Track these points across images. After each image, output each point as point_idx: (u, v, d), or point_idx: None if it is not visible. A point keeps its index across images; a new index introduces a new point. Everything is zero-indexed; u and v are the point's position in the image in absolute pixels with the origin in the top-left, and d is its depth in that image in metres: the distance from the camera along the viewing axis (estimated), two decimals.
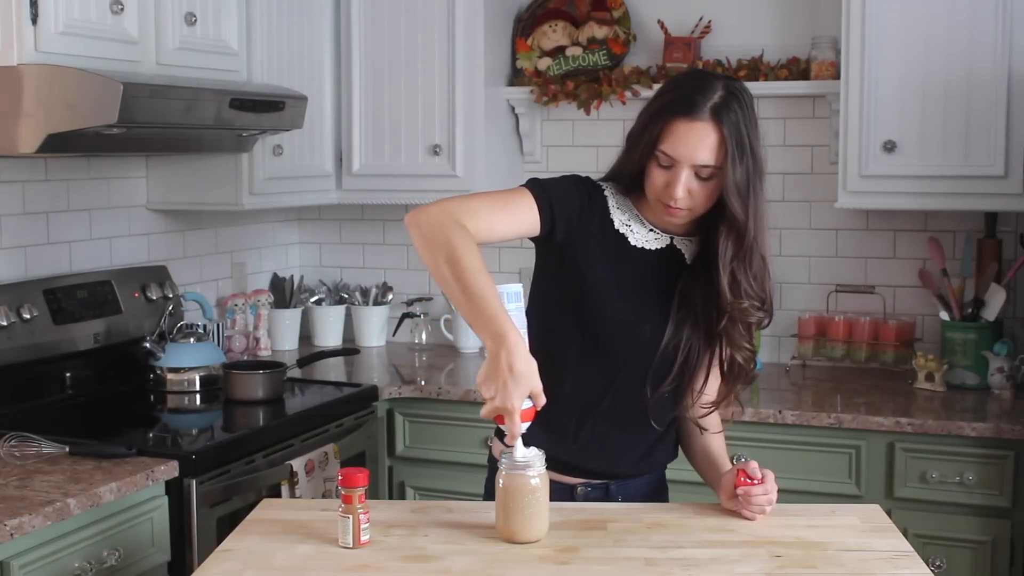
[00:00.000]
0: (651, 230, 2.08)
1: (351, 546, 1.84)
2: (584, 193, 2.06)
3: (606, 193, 2.08)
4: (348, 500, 1.85)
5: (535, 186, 2.03)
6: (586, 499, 2.14)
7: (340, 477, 1.86)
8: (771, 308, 2.05)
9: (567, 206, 2.03)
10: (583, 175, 2.11)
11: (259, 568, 1.78)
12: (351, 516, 1.84)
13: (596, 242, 2.05)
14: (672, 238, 2.08)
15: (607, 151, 2.13)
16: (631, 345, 2.05)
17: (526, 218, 2.00)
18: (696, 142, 1.92)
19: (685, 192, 1.95)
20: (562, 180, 2.08)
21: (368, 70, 3.70)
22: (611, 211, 2.07)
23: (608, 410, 2.09)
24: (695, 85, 1.96)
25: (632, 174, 2.04)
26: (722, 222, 1.97)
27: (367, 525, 1.86)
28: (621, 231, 2.06)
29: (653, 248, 2.07)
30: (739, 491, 1.98)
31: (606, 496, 2.15)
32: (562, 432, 2.08)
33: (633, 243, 2.07)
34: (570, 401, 2.08)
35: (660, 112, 1.96)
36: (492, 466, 2.22)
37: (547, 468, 1.89)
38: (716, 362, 2.10)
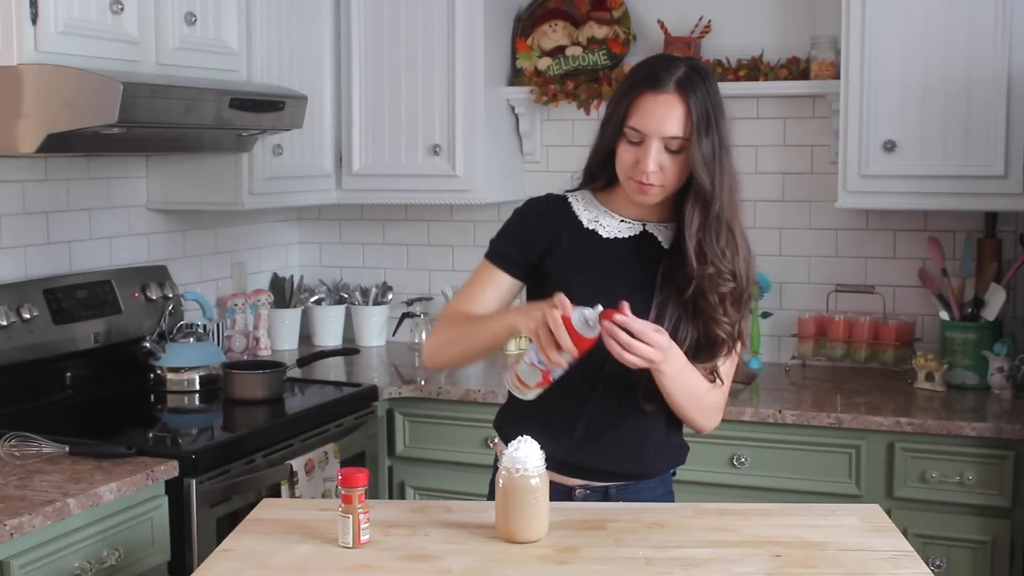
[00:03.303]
0: (622, 220, 2.13)
1: (351, 546, 1.84)
2: (530, 213, 2.16)
3: (570, 200, 2.16)
4: (348, 500, 1.85)
5: (492, 252, 2.17)
6: (584, 502, 2.14)
7: (340, 477, 1.86)
8: (744, 280, 2.05)
9: (521, 241, 2.14)
10: (536, 197, 2.20)
11: (259, 568, 1.78)
12: (351, 516, 1.85)
13: (565, 247, 2.11)
14: (644, 224, 2.12)
15: None
16: None
17: (504, 282, 2.15)
18: (664, 114, 1.97)
19: (656, 166, 1.99)
20: (509, 221, 2.19)
21: (368, 70, 3.70)
22: (578, 214, 2.14)
23: (600, 403, 2.09)
24: (659, 63, 2.05)
25: (603, 158, 2.10)
26: (689, 193, 2.02)
27: (367, 525, 1.86)
28: (591, 228, 2.12)
29: (626, 236, 2.12)
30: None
31: (604, 500, 2.15)
32: (558, 431, 2.08)
33: (605, 236, 2.11)
34: (563, 400, 2.08)
35: (627, 91, 2.03)
36: (497, 467, 2.22)
37: (549, 469, 1.89)
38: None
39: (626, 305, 1.91)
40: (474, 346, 2.11)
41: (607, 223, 2.12)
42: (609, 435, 2.11)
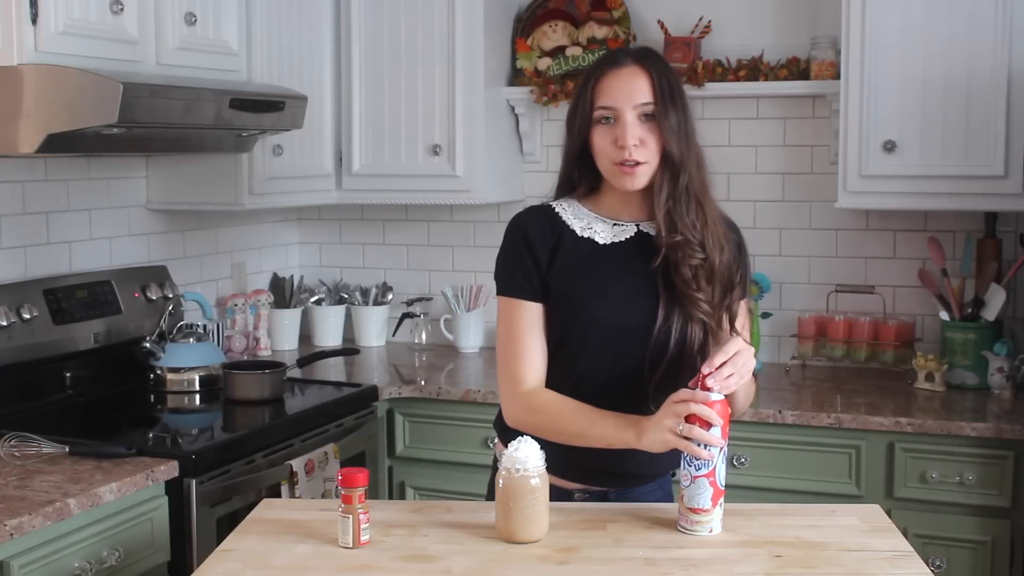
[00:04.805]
0: (615, 224, 2.11)
1: (351, 546, 1.84)
2: (525, 231, 2.10)
3: (557, 210, 2.13)
4: (348, 500, 1.85)
5: (508, 287, 2.11)
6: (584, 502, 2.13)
7: (340, 477, 1.86)
8: (716, 254, 2.03)
9: (528, 262, 2.09)
10: (521, 214, 2.16)
11: (259, 568, 1.78)
12: (351, 516, 1.85)
13: (563, 258, 2.08)
14: (638, 225, 2.11)
15: None
16: (621, 337, 2.05)
17: (535, 310, 2.09)
18: (630, 84, 2.02)
19: (636, 138, 2.00)
20: (507, 249, 2.13)
21: (368, 70, 3.70)
22: (569, 223, 2.11)
23: (604, 404, 2.07)
24: (610, 52, 2.14)
25: (578, 157, 2.10)
26: (660, 164, 2.03)
27: (367, 525, 1.86)
28: (586, 235, 2.10)
29: (622, 239, 2.10)
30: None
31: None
32: None
33: (602, 242, 2.10)
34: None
35: (587, 80, 2.07)
36: (496, 467, 2.22)
37: (548, 471, 1.89)
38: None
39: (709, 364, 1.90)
40: (582, 443, 2.04)
41: (600, 228, 2.10)
42: None
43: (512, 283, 2.11)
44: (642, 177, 2.03)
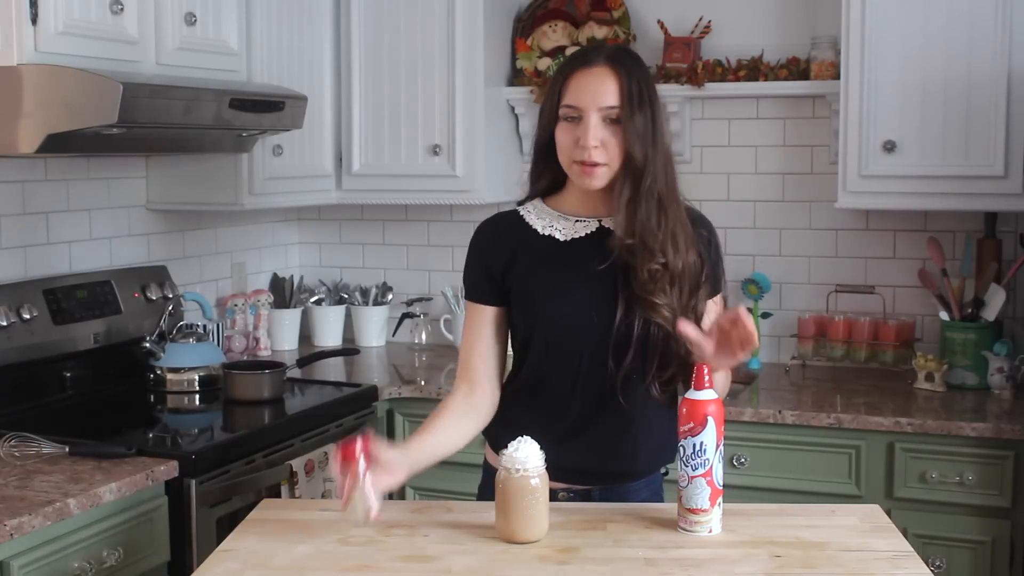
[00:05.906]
0: (577, 220, 2.10)
1: (362, 520, 1.83)
2: (481, 238, 2.18)
3: (521, 213, 2.16)
4: (350, 458, 1.87)
5: (466, 290, 2.20)
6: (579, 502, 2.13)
7: (340, 453, 1.88)
8: (678, 260, 2.00)
9: (483, 268, 2.14)
10: (486, 220, 2.22)
11: (259, 568, 1.78)
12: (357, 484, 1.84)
13: (524, 259, 2.10)
14: (600, 220, 2.09)
15: None
16: (583, 333, 2.05)
17: (488, 315, 2.14)
18: (597, 85, 1.99)
19: (598, 141, 1.98)
20: (467, 253, 2.20)
21: (368, 70, 3.70)
22: (532, 224, 2.13)
23: (581, 402, 2.08)
24: (586, 48, 2.13)
25: (543, 151, 2.09)
26: (622, 166, 2.00)
27: (372, 496, 1.84)
28: (547, 233, 2.11)
29: (583, 235, 2.09)
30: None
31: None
32: (541, 431, 2.05)
33: (562, 239, 2.10)
34: (546, 403, 2.09)
35: (559, 74, 2.06)
36: (486, 469, 2.22)
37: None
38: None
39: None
40: None
41: (562, 226, 2.10)
42: (591, 434, 2.09)
43: (470, 287, 2.19)
44: (601, 178, 2.02)
